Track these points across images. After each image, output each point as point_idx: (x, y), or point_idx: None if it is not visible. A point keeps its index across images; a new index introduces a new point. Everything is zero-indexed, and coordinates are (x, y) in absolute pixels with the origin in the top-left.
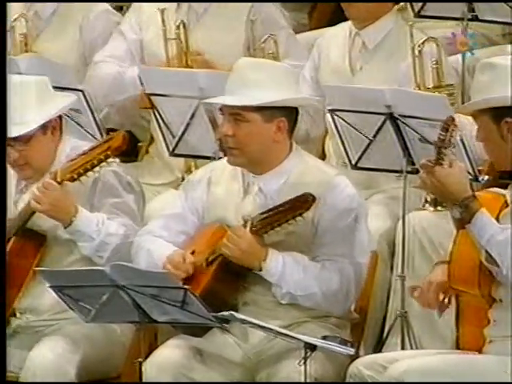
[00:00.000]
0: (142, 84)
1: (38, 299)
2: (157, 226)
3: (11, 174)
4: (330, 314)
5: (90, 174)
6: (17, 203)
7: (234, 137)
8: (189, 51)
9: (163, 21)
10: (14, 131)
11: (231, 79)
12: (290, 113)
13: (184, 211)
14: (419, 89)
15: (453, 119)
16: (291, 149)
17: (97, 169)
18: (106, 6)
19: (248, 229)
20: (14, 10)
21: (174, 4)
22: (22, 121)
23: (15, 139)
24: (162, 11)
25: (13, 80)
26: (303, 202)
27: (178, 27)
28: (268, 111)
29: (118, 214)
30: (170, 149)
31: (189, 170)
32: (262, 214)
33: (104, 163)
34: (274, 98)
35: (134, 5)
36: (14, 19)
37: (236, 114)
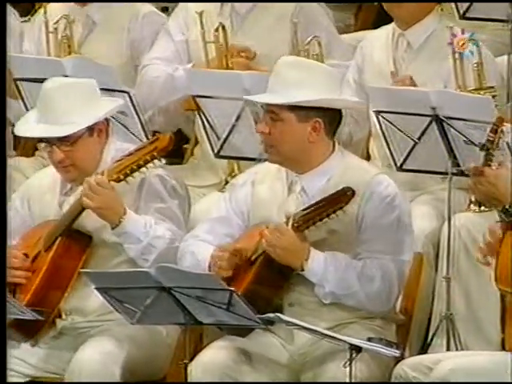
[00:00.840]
0: None
1: (84, 300)
2: (202, 230)
3: (54, 175)
4: (374, 314)
5: (136, 174)
6: (62, 205)
7: (270, 135)
8: (229, 53)
9: (202, 23)
10: (61, 131)
11: (271, 78)
12: (328, 114)
13: (229, 214)
14: (460, 90)
15: (502, 120)
16: (333, 149)
17: (143, 169)
18: (152, 7)
19: (290, 226)
20: (54, 12)
21: (217, 6)
22: (70, 121)
23: (61, 140)
24: (201, 14)
25: (61, 81)
26: (343, 196)
27: (216, 30)
28: (302, 111)
29: (162, 218)
30: (215, 150)
31: (232, 172)
32: (304, 210)
33: (150, 164)
34: (304, 98)
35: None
36: (55, 21)
37: (271, 112)
